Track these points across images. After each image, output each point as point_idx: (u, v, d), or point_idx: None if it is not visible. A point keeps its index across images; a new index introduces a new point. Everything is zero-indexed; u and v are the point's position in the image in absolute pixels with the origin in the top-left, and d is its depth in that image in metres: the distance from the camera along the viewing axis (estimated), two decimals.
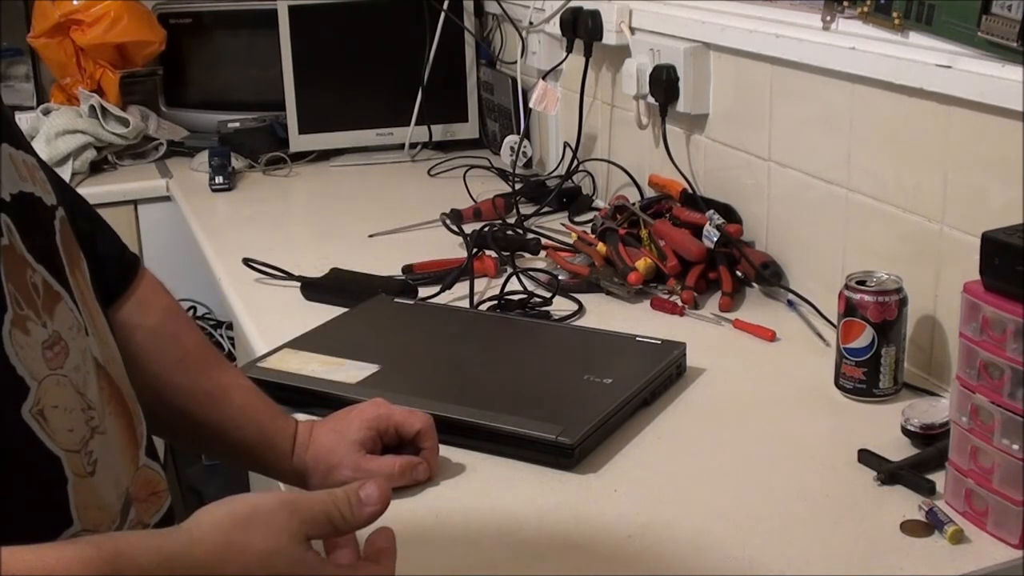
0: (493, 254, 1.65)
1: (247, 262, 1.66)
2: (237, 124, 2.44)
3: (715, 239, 1.49)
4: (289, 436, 1.05)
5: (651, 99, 1.70)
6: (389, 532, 0.77)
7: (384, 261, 1.68)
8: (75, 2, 2.46)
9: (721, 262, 1.51)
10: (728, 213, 1.57)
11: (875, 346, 1.17)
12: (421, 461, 1.04)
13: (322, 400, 1.18)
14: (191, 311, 2.32)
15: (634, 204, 1.71)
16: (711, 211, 1.52)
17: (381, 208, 2.03)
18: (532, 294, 1.51)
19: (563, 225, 1.84)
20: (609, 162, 1.95)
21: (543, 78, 2.04)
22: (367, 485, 0.74)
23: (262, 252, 1.70)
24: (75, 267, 0.80)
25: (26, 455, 0.69)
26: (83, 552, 0.62)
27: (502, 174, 2.16)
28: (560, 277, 1.57)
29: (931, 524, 0.95)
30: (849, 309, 1.18)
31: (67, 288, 0.76)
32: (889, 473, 1.03)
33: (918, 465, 1.03)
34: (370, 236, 1.86)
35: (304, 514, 0.70)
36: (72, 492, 0.71)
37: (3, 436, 0.68)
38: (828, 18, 1.35)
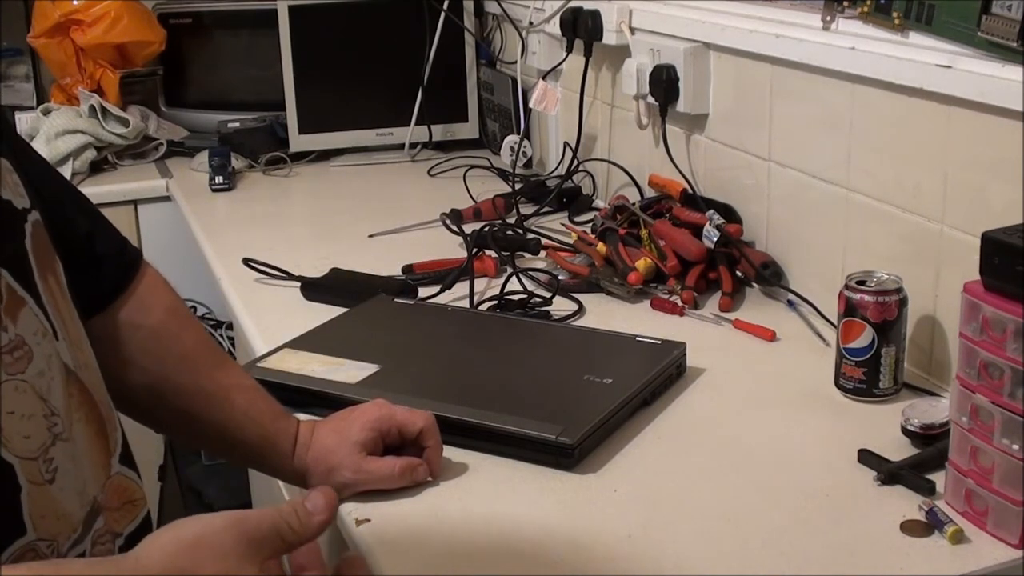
0: (493, 254, 1.65)
1: (247, 262, 1.66)
2: (237, 124, 2.44)
3: (715, 239, 1.49)
4: (290, 436, 1.05)
5: (651, 99, 1.70)
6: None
7: (384, 261, 1.68)
8: (75, 2, 2.46)
9: (721, 262, 1.51)
10: (728, 213, 1.57)
11: (875, 346, 1.17)
12: (422, 462, 1.04)
13: (322, 400, 1.18)
14: (191, 311, 2.31)
15: (634, 204, 1.71)
16: (711, 211, 1.52)
17: (381, 208, 2.03)
18: (532, 294, 1.51)
19: (563, 225, 1.84)
20: (609, 162, 1.95)
21: (543, 78, 2.04)
22: (312, 495, 0.72)
23: (262, 252, 1.70)
24: (47, 271, 0.78)
25: None
26: None
27: (502, 174, 2.16)
28: (560, 277, 1.57)
29: (931, 524, 0.95)
30: (849, 309, 1.19)
31: (34, 293, 0.75)
32: (889, 473, 1.03)
33: (918, 465, 1.03)
34: (370, 236, 1.86)
35: (252, 533, 0.68)
36: (26, 500, 0.70)
37: None
38: (828, 18, 1.35)
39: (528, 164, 2.24)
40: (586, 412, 1.11)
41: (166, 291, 1.03)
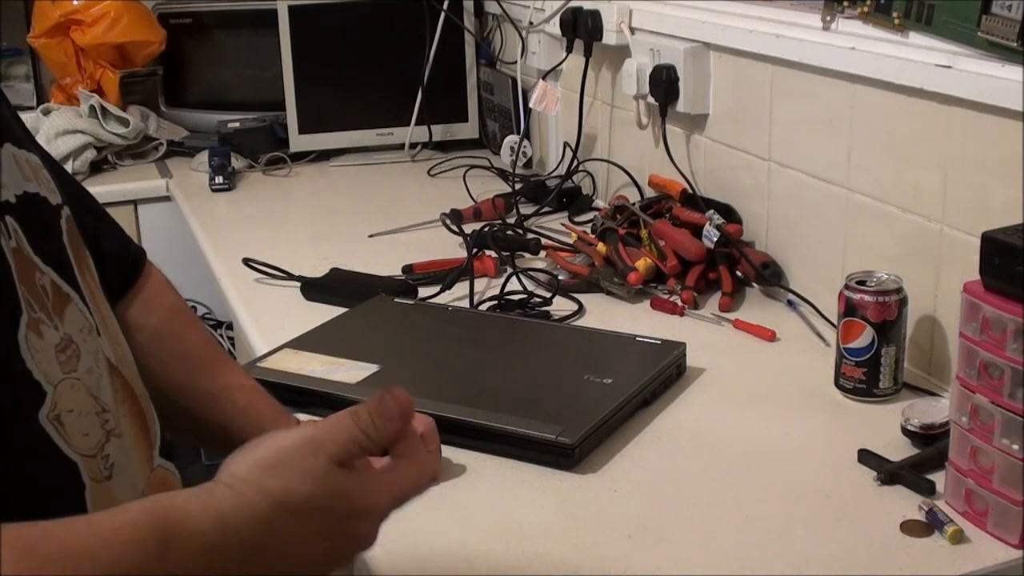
0: (493, 254, 1.65)
1: (247, 262, 1.66)
2: (237, 124, 2.44)
3: (715, 239, 1.49)
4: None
5: (651, 99, 1.70)
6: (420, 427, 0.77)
7: (384, 261, 1.68)
8: (75, 2, 2.46)
9: (721, 262, 1.51)
10: (728, 213, 1.57)
11: (875, 346, 1.17)
12: None
13: (322, 400, 1.18)
14: (193, 311, 2.31)
15: (634, 204, 1.71)
16: (711, 211, 1.52)
17: (381, 208, 2.03)
18: (532, 294, 1.51)
19: (563, 225, 1.84)
20: (609, 162, 1.95)
21: (543, 78, 2.04)
22: (386, 400, 0.71)
23: (262, 252, 1.70)
24: (84, 267, 0.78)
25: (44, 461, 0.68)
26: (136, 521, 0.61)
27: (502, 174, 2.16)
28: (560, 277, 1.57)
29: (931, 524, 0.95)
30: (849, 309, 1.19)
31: (76, 289, 0.75)
32: (889, 473, 1.03)
33: (918, 465, 1.03)
34: (370, 236, 1.86)
35: (330, 448, 0.68)
36: (90, 498, 0.70)
37: (22, 442, 0.66)
38: (828, 18, 1.35)
39: (528, 164, 2.24)
40: (586, 412, 1.11)
41: (169, 291, 1.03)
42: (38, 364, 0.68)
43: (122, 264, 1.00)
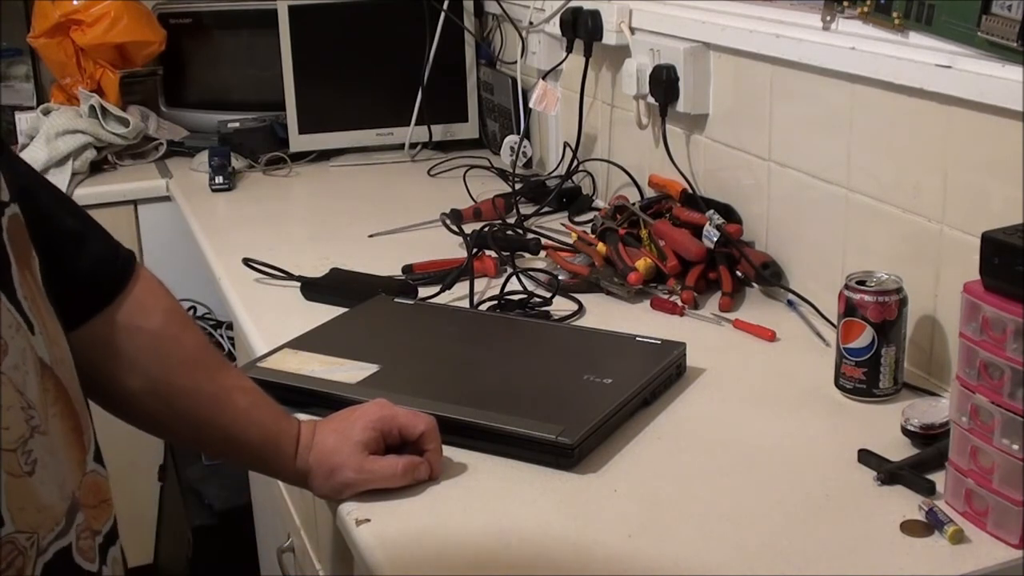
0: (493, 254, 1.65)
1: (247, 262, 1.66)
2: (237, 124, 2.44)
3: (715, 239, 1.49)
4: (292, 437, 1.05)
5: (651, 99, 1.70)
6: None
7: (384, 261, 1.68)
8: (75, 2, 2.46)
9: (721, 262, 1.51)
10: (728, 213, 1.57)
11: (875, 346, 1.17)
12: (423, 461, 1.04)
13: (322, 400, 1.18)
14: (191, 311, 2.32)
15: (634, 204, 1.71)
16: (711, 211, 1.52)
17: (381, 208, 2.03)
18: (532, 294, 1.51)
19: (563, 225, 1.84)
20: (609, 162, 1.95)
21: (543, 78, 2.04)
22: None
23: (262, 252, 1.70)
24: (24, 266, 0.77)
25: None
26: None
27: (502, 174, 2.16)
28: (560, 277, 1.57)
29: (931, 524, 0.95)
30: (849, 309, 1.19)
31: (9, 288, 0.73)
32: (889, 473, 1.03)
33: (918, 465, 1.03)
34: (370, 236, 1.86)
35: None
36: (4, 492, 0.68)
37: None
38: (828, 18, 1.35)
39: (528, 164, 2.24)
40: (586, 412, 1.11)
41: (163, 293, 1.03)
42: None
43: (111, 267, 0.99)
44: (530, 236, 1.71)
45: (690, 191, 1.66)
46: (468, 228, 1.74)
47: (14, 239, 0.75)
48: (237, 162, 2.34)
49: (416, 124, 2.40)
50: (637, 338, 1.30)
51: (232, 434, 1.03)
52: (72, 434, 0.77)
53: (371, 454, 1.03)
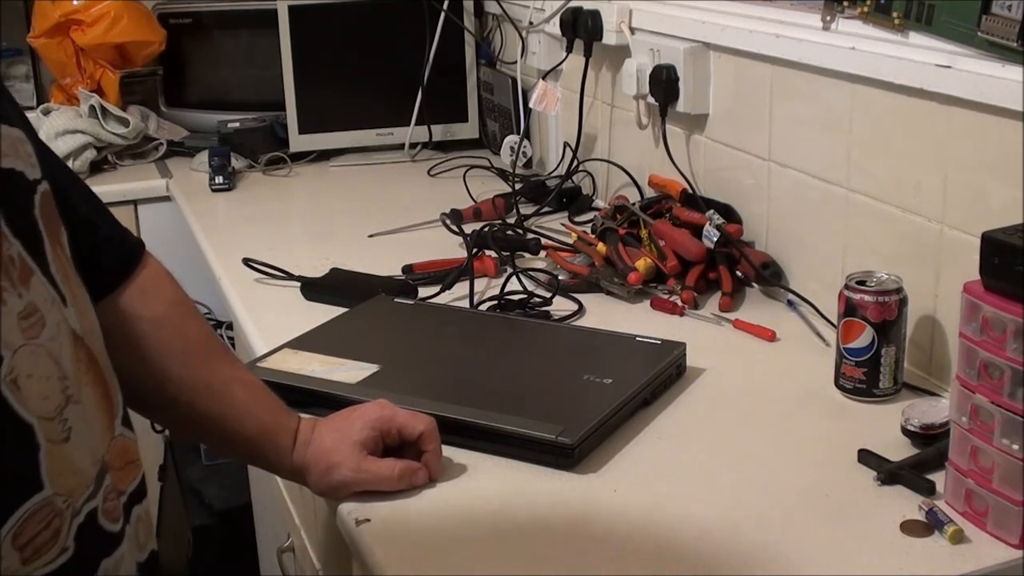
0: (493, 254, 1.65)
1: (247, 262, 1.66)
2: (237, 124, 2.44)
3: (715, 239, 1.49)
4: (290, 432, 1.05)
5: (651, 99, 1.70)
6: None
7: (384, 261, 1.68)
8: (75, 2, 2.46)
9: (721, 262, 1.51)
10: (728, 213, 1.57)
11: (875, 346, 1.17)
12: (421, 467, 1.04)
13: (322, 400, 1.18)
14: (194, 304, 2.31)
15: (634, 204, 1.71)
16: (711, 211, 1.52)
17: (381, 208, 2.03)
18: (532, 294, 1.51)
19: (563, 225, 1.84)
20: (609, 162, 1.95)
21: (543, 78, 2.04)
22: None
23: (262, 252, 1.70)
24: (55, 241, 0.80)
25: None
26: None
27: (502, 174, 2.16)
28: (560, 277, 1.57)
29: (931, 524, 0.95)
30: (849, 309, 1.19)
31: (43, 262, 0.77)
32: (889, 473, 1.03)
33: (918, 465, 1.03)
34: (370, 236, 1.86)
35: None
36: (44, 458, 0.72)
37: None
38: (828, 18, 1.35)
39: (528, 164, 2.24)
40: (586, 412, 1.11)
41: (169, 283, 1.04)
42: None
43: (117, 251, 1.00)
44: (530, 236, 1.71)
45: (690, 191, 1.66)
46: (468, 228, 1.74)
47: (45, 215, 0.79)
48: (237, 162, 2.34)
49: (416, 124, 2.40)
50: (637, 338, 1.30)
51: (229, 426, 1.03)
52: (102, 401, 0.80)
53: (369, 454, 1.03)
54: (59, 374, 0.75)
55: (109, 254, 0.98)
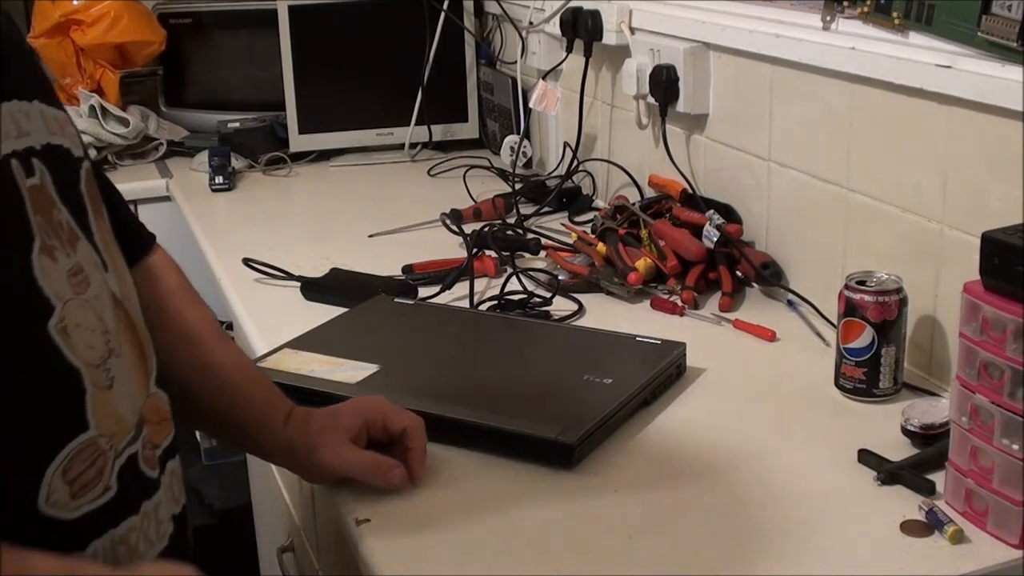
0: (493, 254, 1.65)
1: (247, 262, 1.66)
2: (237, 124, 2.44)
3: (715, 239, 1.49)
4: (282, 414, 1.06)
5: (651, 99, 1.70)
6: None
7: (384, 261, 1.68)
8: (75, 2, 2.46)
9: (721, 262, 1.51)
10: (728, 213, 1.57)
11: (875, 346, 1.18)
12: (397, 464, 1.03)
13: (322, 400, 1.17)
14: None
15: (634, 204, 1.71)
16: (711, 211, 1.52)
17: (381, 208, 2.03)
18: (532, 294, 1.51)
19: (563, 225, 1.84)
20: (609, 162, 1.95)
21: (543, 78, 2.04)
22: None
23: (262, 252, 1.70)
24: (98, 215, 0.86)
25: (49, 366, 0.76)
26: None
27: (502, 174, 2.17)
28: (560, 277, 1.57)
29: (931, 524, 0.95)
30: (849, 309, 1.19)
31: (87, 231, 0.83)
32: (889, 473, 1.03)
33: (918, 465, 1.03)
34: (370, 236, 1.86)
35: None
36: (90, 402, 0.78)
37: (30, 349, 0.75)
38: (828, 18, 1.35)
39: (528, 164, 2.24)
40: (586, 412, 1.11)
41: (174, 271, 1.07)
42: (48, 283, 0.76)
43: (131, 235, 1.02)
44: (530, 236, 1.71)
45: (690, 191, 1.66)
46: (468, 228, 1.74)
47: (89, 190, 0.86)
48: (237, 162, 2.34)
49: (416, 124, 2.40)
50: (637, 338, 1.30)
51: (222, 406, 1.05)
52: (139, 360, 0.86)
53: (352, 442, 1.04)
54: (102, 328, 0.81)
55: (124, 236, 0.99)
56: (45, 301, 0.76)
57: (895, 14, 1.23)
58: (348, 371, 1.23)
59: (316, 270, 1.63)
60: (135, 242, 1.03)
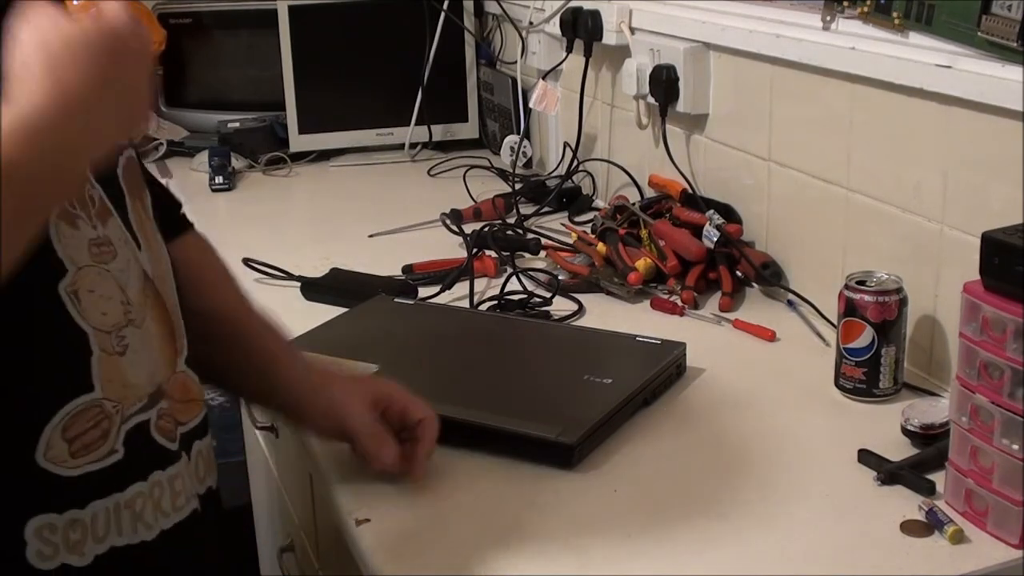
0: (493, 254, 1.65)
1: (247, 262, 1.66)
2: (237, 124, 2.44)
3: (715, 239, 1.49)
4: (302, 360, 1.09)
5: (651, 99, 1.70)
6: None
7: (384, 261, 1.68)
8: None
9: (721, 262, 1.51)
10: (728, 213, 1.57)
11: (875, 346, 1.17)
12: (397, 446, 1.04)
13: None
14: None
15: (634, 204, 1.71)
16: (711, 211, 1.52)
17: (381, 208, 2.03)
18: (532, 294, 1.51)
19: (563, 225, 1.84)
20: (609, 162, 1.95)
21: (543, 78, 2.04)
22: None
23: (262, 252, 1.69)
24: (135, 199, 0.89)
25: (55, 325, 0.79)
26: None
27: (502, 174, 2.16)
28: (560, 277, 1.57)
29: (931, 524, 0.95)
30: (849, 309, 1.19)
31: (123, 212, 0.86)
32: (889, 473, 1.03)
33: (918, 465, 1.03)
34: (370, 236, 1.86)
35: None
36: (96, 364, 0.80)
37: (37, 307, 0.78)
38: (828, 18, 1.35)
39: (528, 164, 2.24)
40: (586, 412, 1.11)
41: (212, 252, 1.11)
42: (63, 247, 0.79)
43: (171, 214, 1.06)
44: (530, 236, 1.71)
45: (690, 191, 1.66)
46: (468, 228, 1.74)
47: (127, 176, 0.89)
48: (237, 162, 2.34)
49: (416, 124, 2.40)
50: (637, 338, 1.30)
51: (241, 350, 1.07)
52: (167, 337, 0.89)
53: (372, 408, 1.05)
54: (122, 299, 0.83)
55: (163, 214, 1.00)
56: (58, 263, 0.78)
57: (895, 14, 1.23)
58: (348, 371, 1.23)
59: (316, 270, 1.63)
60: (172, 223, 1.05)
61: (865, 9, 1.27)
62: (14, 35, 0.71)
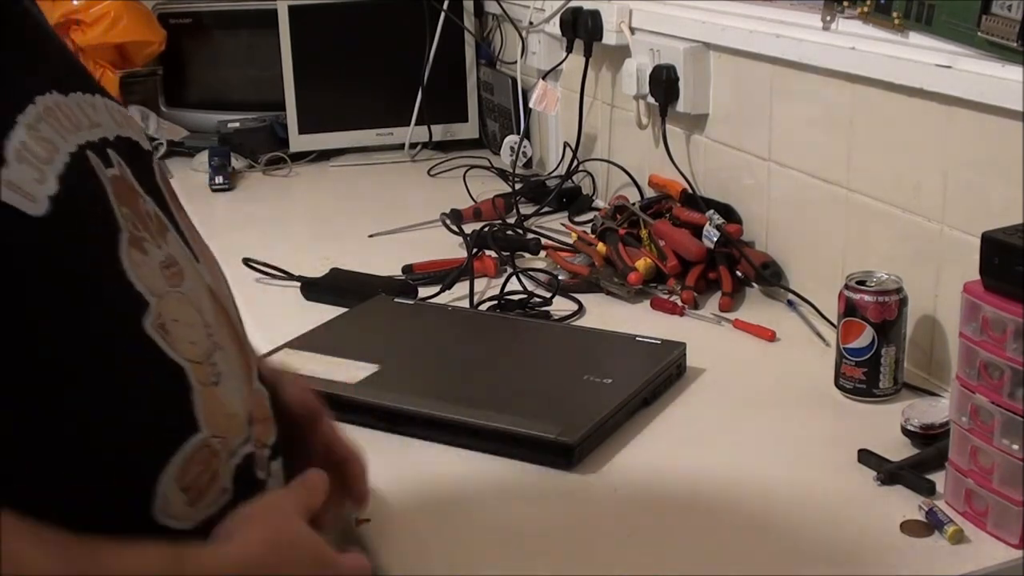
0: (493, 254, 1.65)
1: (247, 262, 1.66)
2: (237, 124, 2.44)
3: (715, 239, 1.49)
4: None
5: (651, 99, 1.70)
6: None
7: (384, 261, 1.68)
8: (75, 2, 2.46)
9: (721, 262, 1.51)
10: (728, 213, 1.57)
11: (875, 346, 1.17)
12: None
13: (322, 400, 1.17)
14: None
15: (634, 204, 1.71)
16: (711, 211, 1.52)
17: (381, 208, 2.03)
18: (532, 294, 1.51)
19: (563, 225, 1.84)
20: (609, 162, 1.95)
21: (543, 78, 2.04)
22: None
23: (262, 252, 1.69)
24: (178, 207, 0.83)
25: (150, 366, 0.71)
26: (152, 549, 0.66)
27: (502, 174, 2.16)
28: (560, 277, 1.57)
29: (931, 524, 0.95)
30: (849, 309, 1.19)
31: (173, 221, 0.79)
32: (889, 473, 1.03)
33: (918, 465, 1.03)
34: (370, 236, 1.86)
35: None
36: (197, 400, 0.73)
37: (127, 349, 0.70)
38: (828, 18, 1.35)
39: (528, 164, 2.24)
40: (586, 412, 1.11)
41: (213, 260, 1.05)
42: (140, 277, 0.71)
43: None
44: (530, 236, 1.71)
45: (690, 191, 1.66)
46: (468, 228, 1.74)
47: (164, 181, 0.82)
48: (237, 162, 2.34)
49: (416, 124, 2.39)
50: (637, 338, 1.30)
51: None
52: (240, 355, 0.81)
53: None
54: (202, 322, 0.76)
55: None
56: (138, 297, 0.70)
57: (895, 14, 1.23)
58: (348, 371, 1.23)
59: (316, 270, 1.63)
60: None
61: (865, 9, 1.27)
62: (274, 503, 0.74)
